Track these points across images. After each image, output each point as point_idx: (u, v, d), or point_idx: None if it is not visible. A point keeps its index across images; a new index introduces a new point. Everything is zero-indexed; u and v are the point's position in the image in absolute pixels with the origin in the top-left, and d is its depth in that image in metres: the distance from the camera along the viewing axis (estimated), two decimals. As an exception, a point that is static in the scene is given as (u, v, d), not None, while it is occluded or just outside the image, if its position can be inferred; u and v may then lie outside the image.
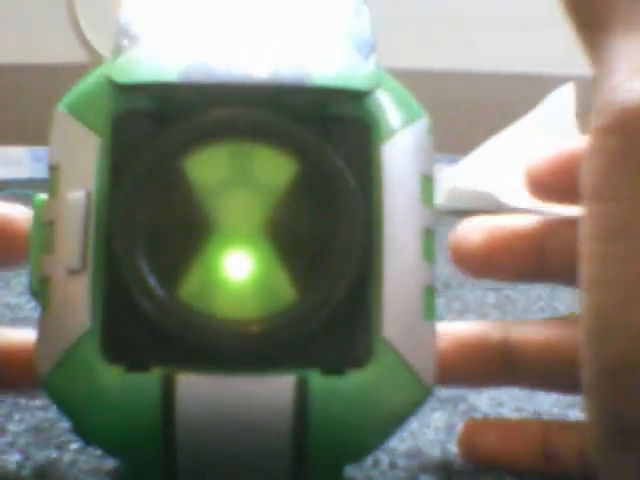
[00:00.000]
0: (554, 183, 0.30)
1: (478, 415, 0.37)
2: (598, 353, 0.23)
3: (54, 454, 0.33)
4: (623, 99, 0.23)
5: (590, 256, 0.23)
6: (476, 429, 0.32)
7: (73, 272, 0.26)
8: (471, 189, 0.97)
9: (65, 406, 0.26)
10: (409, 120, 0.27)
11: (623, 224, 0.23)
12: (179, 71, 0.26)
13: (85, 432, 0.27)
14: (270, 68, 0.26)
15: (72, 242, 0.26)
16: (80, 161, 0.27)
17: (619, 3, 0.25)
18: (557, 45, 1.00)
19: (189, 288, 0.26)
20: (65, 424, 0.34)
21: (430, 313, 0.27)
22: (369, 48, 0.28)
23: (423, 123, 0.28)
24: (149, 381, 0.25)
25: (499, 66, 0.98)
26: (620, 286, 0.22)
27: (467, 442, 0.32)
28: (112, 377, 0.25)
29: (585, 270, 0.24)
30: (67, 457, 0.32)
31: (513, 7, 1.02)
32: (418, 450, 0.33)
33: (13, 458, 0.33)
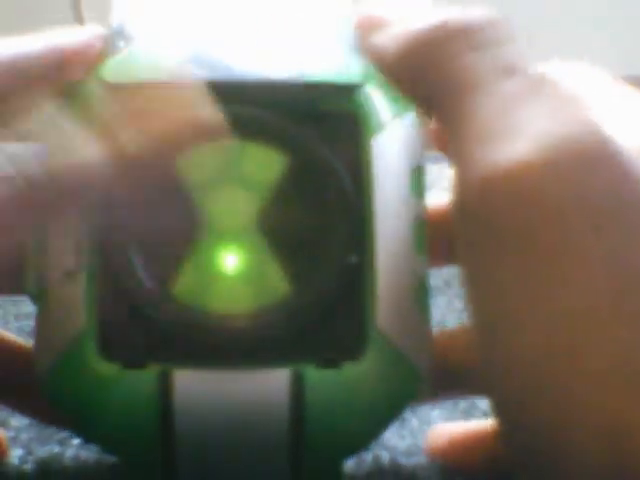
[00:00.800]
0: None
1: (478, 413, 0.37)
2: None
3: (56, 449, 0.33)
4: (477, 174, 0.21)
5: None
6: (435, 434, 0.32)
7: (69, 272, 0.26)
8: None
9: (63, 405, 0.26)
10: (398, 113, 0.27)
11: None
12: (172, 69, 0.26)
13: (84, 430, 0.27)
14: (261, 65, 0.26)
15: (68, 242, 0.26)
16: None
17: (453, 71, 0.22)
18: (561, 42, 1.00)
19: (183, 285, 0.26)
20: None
21: (423, 303, 0.27)
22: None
23: (412, 116, 0.28)
24: (146, 378, 0.25)
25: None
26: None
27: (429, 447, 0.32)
28: (109, 375, 0.26)
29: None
30: (69, 452, 0.33)
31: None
32: (418, 448, 0.33)
33: (16, 453, 0.33)
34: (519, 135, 0.20)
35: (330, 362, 0.26)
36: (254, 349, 0.25)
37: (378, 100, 0.27)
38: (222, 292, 0.26)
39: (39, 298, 0.27)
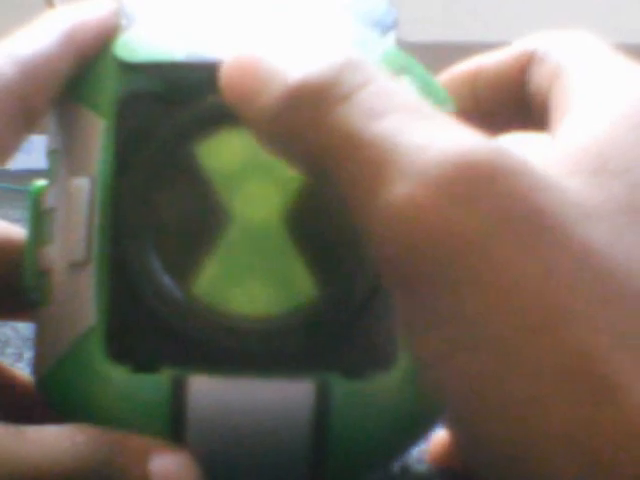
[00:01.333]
0: None
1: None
2: None
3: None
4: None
5: None
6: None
7: (76, 264, 0.24)
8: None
9: (65, 409, 0.25)
10: (437, 105, 0.26)
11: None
12: (188, 50, 0.25)
13: None
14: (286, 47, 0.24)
15: (75, 232, 0.25)
16: (83, 145, 0.25)
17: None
18: (564, 14, 0.98)
19: (203, 284, 0.24)
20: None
21: None
22: (385, 25, 0.26)
23: (450, 108, 0.26)
24: (158, 383, 0.24)
25: (504, 36, 0.96)
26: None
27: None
28: (117, 378, 0.24)
29: None
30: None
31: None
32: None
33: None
34: (398, 173, 0.19)
35: (358, 372, 0.24)
36: (276, 356, 0.24)
37: (417, 91, 0.25)
38: (244, 293, 0.24)
39: (39, 292, 0.25)
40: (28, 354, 0.44)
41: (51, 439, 0.23)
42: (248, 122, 0.21)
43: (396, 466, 0.31)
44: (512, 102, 0.26)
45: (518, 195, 0.18)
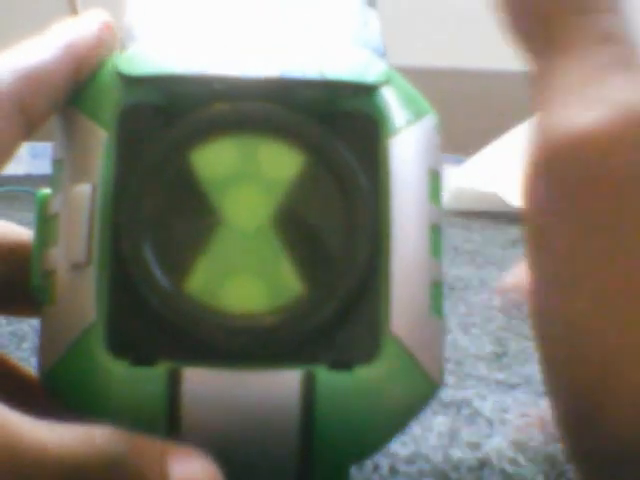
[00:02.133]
0: None
1: (482, 420, 0.36)
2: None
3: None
4: (550, 137, 0.22)
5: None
6: None
7: (78, 265, 0.26)
8: (477, 190, 0.96)
9: (68, 401, 0.26)
10: (417, 117, 0.27)
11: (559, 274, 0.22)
12: (188, 64, 0.26)
13: None
14: (279, 62, 0.26)
15: (77, 235, 0.26)
16: (85, 155, 0.26)
17: (562, 28, 0.23)
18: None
19: (196, 282, 0.25)
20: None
21: (438, 309, 0.27)
22: (379, 52, 0.28)
23: (430, 120, 0.28)
24: (155, 376, 0.25)
25: (506, 64, 0.97)
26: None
27: None
28: (117, 371, 0.25)
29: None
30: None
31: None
32: (420, 456, 0.33)
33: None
34: (597, 104, 0.21)
35: (342, 364, 0.25)
36: (266, 349, 0.25)
37: (397, 102, 0.27)
38: (236, 290, 0.25)
39: (45, 291, 0.26)
40: None
41: (70, 434, 0.23)
42: None
43: (385, 467, 0.32)
44: None
45: None
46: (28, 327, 0.50)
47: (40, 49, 0.26)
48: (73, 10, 0.65)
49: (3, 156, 0.26)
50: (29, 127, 0.26)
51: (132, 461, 0.23)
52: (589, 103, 0.21)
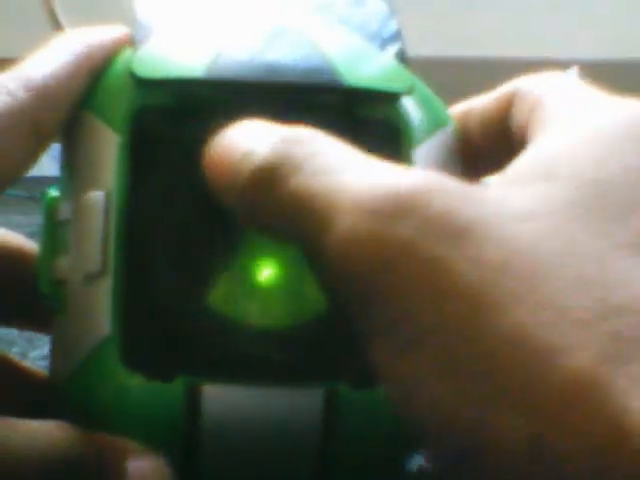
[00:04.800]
0: None
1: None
2: None
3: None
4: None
5: None
6: None
7: (92, 275, 0.25)
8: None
9: (83, 415, 0.25)
10: (438, 125, 0.27)
11: None
12: (204, 67, 0.25)
13: None
14: (298, 65, 0.25)
15: (91, 244, 0.25)
16: (97, 159, 0.25)
17: None
18: (559, 29, 0.98)
19: (217, 296, 0.25)
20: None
21: None
22: (384, 38, 0.27)
23: (451, 128, 0.27)
24: (173, 392, 0.24)
25: (501, 51, 0.97)
26: None
27: None
28: (133, 386, 0.24)
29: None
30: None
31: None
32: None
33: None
34: (341, 211, 0.21)
35: (364, 382, 0.25)
36: (288, 366, 0.25)
37: (419, 111, 0.26)
38: (256, 305, 0.25)
39: (57, 301, 0.26)
40: (33, 353, 0.45)
41: (35, 432, 0.23)
42: (227, 201, 0.23)
43: (414, 466, 0.30)
44: (498, 138, 0.28)
45: (442, 208, 0.20)
46: (16, 332, 0.49)
47: (51, 63, 0.26)
48: (56, 24, 0.64)
49: (17, 170, 0.26)
50: (42, 142, 0.26)
51: (91, 458, 0.24)
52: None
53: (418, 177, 0.21)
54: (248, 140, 0.23)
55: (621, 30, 0.95)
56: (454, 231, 0.20)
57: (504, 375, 0.18)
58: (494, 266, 0.19)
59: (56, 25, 0.60)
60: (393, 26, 0.27)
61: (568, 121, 0.24)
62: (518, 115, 0.26)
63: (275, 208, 0.22)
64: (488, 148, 0.28)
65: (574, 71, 0.99)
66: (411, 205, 0.20)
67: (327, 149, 0.22)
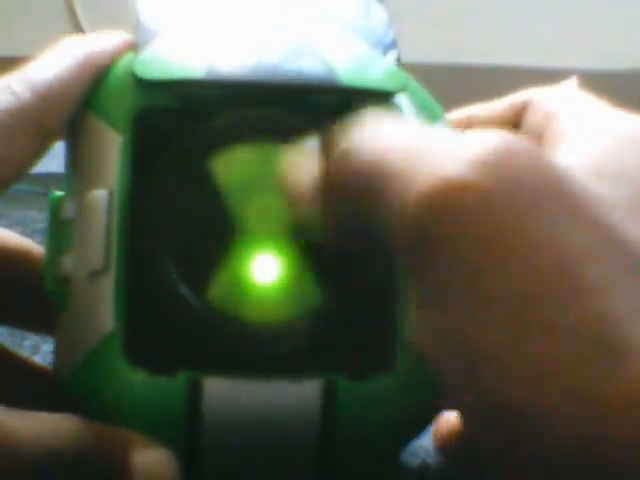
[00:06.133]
0: None
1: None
2: None
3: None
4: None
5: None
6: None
7: (95, 272, 0.25)
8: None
9: (86, 409, 0.25)
10: (432, 121, 0.27)
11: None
12: (205, 68, 0.25)
13: None
14: (297, 67, 0.26)
15: (94, 241, 0.25)
16: (100, 159, 0.26)
17: None
18: (560, 38, 0.99)
19: (217, 291, 0.25)
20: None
21: None
22: (385, 45, 0.28)
23: (444, 124, 0.28)
24: (175, 386, 0.25)
25: (501, 59, 0.97)
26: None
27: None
28: (136, 381, 0.25)
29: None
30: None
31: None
32: (424, 448, 0.33)
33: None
34: (445, 159, 0.20)
35: (361, 374, 0.25)
36: (286, 359, 0.25)
37: (412, 108, 0.27)
38: (256, 300, 0.25)
39: (60, 297, 0.26)
40: (45, 347, 0.45)
41: (43, 423, 0.24)
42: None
43: (415, 462, 0.32)
44: None
45: (536, 164, 0.20)
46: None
47: (56, 64, 0.27)
48: (77, 26, 0.64)
49: (22, 167, 0.26)
50: (46, 141, 0.26)
51: (98, 450, 0.24)
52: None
53: (503, 134, 0.20)
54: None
55: (620, 40, 0.95)
56: (540, 191, 0.20)
57: (576, 365, 0.19)
58: (580, 252, 0.19)
59: (76, 27, 0.61)
60: (391, 35, 0.28)
61: (588, 132, 0.24)
62: (531, 124, 0.27)
63: (357, 169, 0.21)
64: None
65: (573, 81, 0.99)
66: (499, 156, 0.20)
67: (388, 118, 0.22)
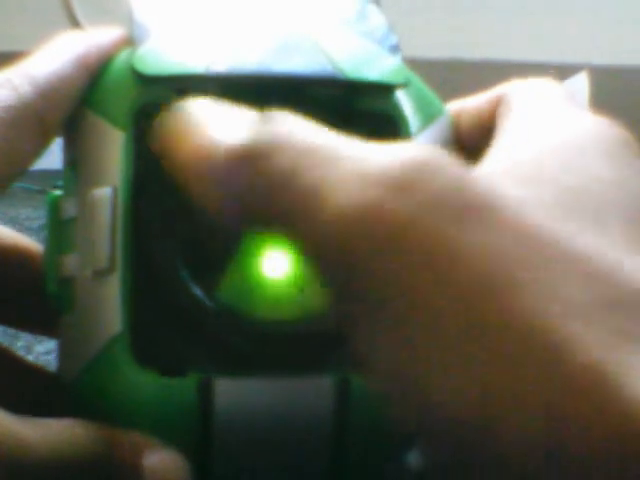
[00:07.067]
0: None
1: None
2: None
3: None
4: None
5: None
6: None
7: (100, 272, 0.25)
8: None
9: (94, 413, 0.25)
10: (433, 117, 0.27)
11: None
12: (206, 63, 0.25)
13: None
14: (298, 60, 0.25)
15: (99, 241, 0.25)
16: (102, 157, 0.26)
17: None
18: (561, 33, 0.99)
19: (227, 289, 0.25)
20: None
21: None
22: (390, 47, 0.27)
23: (447, 119, 0.28)
24: (185, 386, 0.24)
25: (510, 55, 0.97)
26: None
27: None
28: (145, 383, 0.24)
29: None
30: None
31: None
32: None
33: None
34: (342, 184, 0.20)
35: None
36: (298, 357, 0.25)
37: (414, 102, 0.27)
38: (267, 298, 0.25)
39: (64, 299, 0.26)
40: (38, 347, 0.45)
41: (52, 430, 0.23)
42: (196, 189, 0.22)
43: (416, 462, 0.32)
44: (484, 139, 0.28)
45: (454, 184, 0.19)
46: None
47: (55, 60, 0.27)
48: (74, 22, 0.64)
49: (23, 163, 0.26)
50: (46, 137, 0.26)
51: (111, 454, 0.24)
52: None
53: (421, 151, 0.20)
54: (216, 123, 0.22)
55: (623, 35, 0.95)
56: (459, 210, 0.19)
57: (513, 367, 0.18)
58: (501, 252, 0.19)
59: (73, 22, 0.60)
60: (394, 39, 0.28)
61: (528, 133, 0.24)
62: (497, 120, 0.27)
63: (260, 189, 0.21)
64: (478, 145, 0.28)
65: (583, 76, 0.99)
66: (415, 178, 0.19)
67: (308, 127, 0.22)
